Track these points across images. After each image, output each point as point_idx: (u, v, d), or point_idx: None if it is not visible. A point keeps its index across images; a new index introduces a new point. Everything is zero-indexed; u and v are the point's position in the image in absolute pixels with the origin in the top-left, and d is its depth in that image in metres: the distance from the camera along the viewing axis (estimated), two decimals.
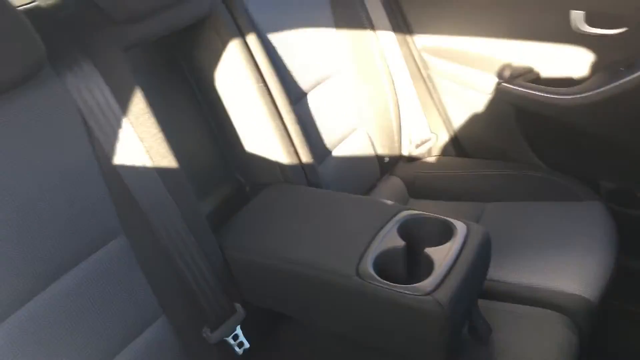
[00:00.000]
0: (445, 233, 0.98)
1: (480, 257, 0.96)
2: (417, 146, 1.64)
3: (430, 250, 0.95)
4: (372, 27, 1.54)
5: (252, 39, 1.20)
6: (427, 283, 0.88)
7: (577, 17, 1.38)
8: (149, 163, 0.94)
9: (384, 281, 0.89)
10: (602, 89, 1.41)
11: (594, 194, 1.41)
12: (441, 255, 0.93)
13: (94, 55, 0.91)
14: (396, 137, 1.58)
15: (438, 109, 1.70)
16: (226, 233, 1.08)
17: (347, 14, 1.49)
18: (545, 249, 1.25)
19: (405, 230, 1.00)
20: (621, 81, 1.37)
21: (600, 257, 1.21)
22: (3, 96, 0.78)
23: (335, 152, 1.44)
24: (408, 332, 0.91)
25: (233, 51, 1.16)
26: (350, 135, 1.49)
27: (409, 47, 1.65)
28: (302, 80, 1.35)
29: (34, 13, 0.87)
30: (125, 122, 0.92)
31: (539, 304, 1.11)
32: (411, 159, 1.66)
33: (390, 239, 0.97)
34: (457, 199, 1.53)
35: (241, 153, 1.23)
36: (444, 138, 1.72)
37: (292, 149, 1.24)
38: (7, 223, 0.78)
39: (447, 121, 1.70)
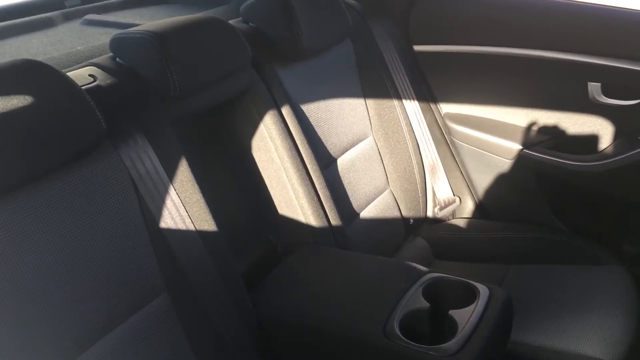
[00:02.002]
0: (468, 295, 1.03)
1: (503, 320, 1.01)
2: (442, 208, 1.69)
3: (454, 312, 0.99)
4: (398, 95, 1.63)
5: (286, 109, 1.30)
6: (451, 344, 0.92)
7: (595, 88, 1.46)
8: (191, 226, 1.01)
9: (409, 341, 0.94)
10: (620, 157, 1.46)
11: (615, 258, 1.43)
12: (465, 317, 0.98)
13: (146, 129, 1.01)
14: (421, 200, 1.65)
15: (461, 173, 1.76)
16: (260, 292, 1.14)
17: (374, 83, 1.58)
18: (567, 312, 1.28)
19: (429, 292, 1.05)
20: (635, 151, 1.43)
21: (622, 321, 1.23)
22: (67, 167, 0.87)
23: (363, 214, 1.50)
24: None
25: (268, 121, 1.25)
26: (377, 198, 1.56)
27: (432, 114, 1.73)
28: (332, 146, 1.44)
29: (95, 92, 0.98)
30: (171, 189, 1.00)
31: None
32: (435, 221, 1.72)
33: (416, 301, 1.02)
34: (480, 260, 1.57)
35: (274, 215, 1.31)
36: (467, 201, 1.77)
37: (321, 212, 1.31)
38: (61, 282, 0.85)
39: (470, 184, 1.76)
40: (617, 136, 1.50)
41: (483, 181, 1.72)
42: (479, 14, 1.61)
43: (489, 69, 1.63)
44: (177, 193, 1.01)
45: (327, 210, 1.33)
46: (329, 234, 1.32)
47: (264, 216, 1.33)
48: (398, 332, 0.96)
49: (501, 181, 1.68)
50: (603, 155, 1.52)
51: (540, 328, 1.23)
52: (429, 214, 1.69)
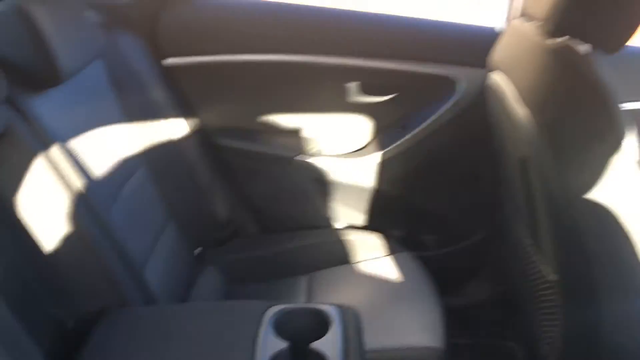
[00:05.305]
0: (318, 321, 0.97)
1: (361, 337, 0.98)
2: (224, 229, 1.59)
3: (316, 345, 0.93)
4: (160, 114, 1.45)
5: (54, 149, 1.04)
6: None
7: (353, 87, 1.53)
8: None
9: None
10: (382, 151, 1.57)
11: (400, 246, 1.53)
12: (329, 346, 0.92)
13: None
14: (204, 225, 1.51)
15: (235, 190, 1.68)
16: None
17: (132, 104, 1.38)
18: (381, 307, 1.32)
19: (280, 328, 0.96)
20: (396, 143, 1.56)
21: (429, 304, 1.32)
22: None
23: (154, 256, 1.30)
24: None
25: (34, 165, 0.99)
26: (163, 232, 1.37)
27: (198, 131, 1.59)
28: (111, 180, 1.21)
29: None
30: None
31: None
32: (222, 244, 1.60)
33: (272, 343, 0.92)
34: (279, 276, 1.51)
35: (60, 281, 1.04)
36: (248, 218, 1.70)
37: (118, 265, 1.09)
38: None
39: (248, 201, 1.69)
40: (379, 131, 1.60)
41: (261, 195, 1.68)
42: (232, 21, 1.55)
43: (248, 78, 1.58)
44: None
45: (122, 261, 1.11)
46: (130, 287, 1.11)
47: (48, 284, 1.04)
48: None
49: (279, 192, 1.66)
50: (367, 150, 1.61)
51: (370, 330, 1.24)
52: (214, 237, 1.57)
